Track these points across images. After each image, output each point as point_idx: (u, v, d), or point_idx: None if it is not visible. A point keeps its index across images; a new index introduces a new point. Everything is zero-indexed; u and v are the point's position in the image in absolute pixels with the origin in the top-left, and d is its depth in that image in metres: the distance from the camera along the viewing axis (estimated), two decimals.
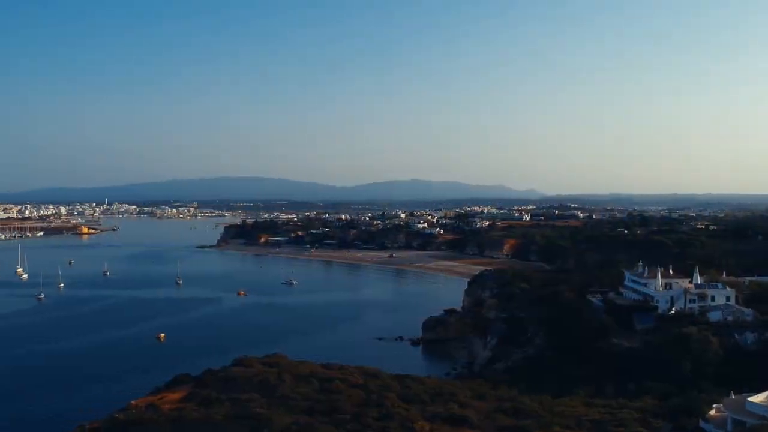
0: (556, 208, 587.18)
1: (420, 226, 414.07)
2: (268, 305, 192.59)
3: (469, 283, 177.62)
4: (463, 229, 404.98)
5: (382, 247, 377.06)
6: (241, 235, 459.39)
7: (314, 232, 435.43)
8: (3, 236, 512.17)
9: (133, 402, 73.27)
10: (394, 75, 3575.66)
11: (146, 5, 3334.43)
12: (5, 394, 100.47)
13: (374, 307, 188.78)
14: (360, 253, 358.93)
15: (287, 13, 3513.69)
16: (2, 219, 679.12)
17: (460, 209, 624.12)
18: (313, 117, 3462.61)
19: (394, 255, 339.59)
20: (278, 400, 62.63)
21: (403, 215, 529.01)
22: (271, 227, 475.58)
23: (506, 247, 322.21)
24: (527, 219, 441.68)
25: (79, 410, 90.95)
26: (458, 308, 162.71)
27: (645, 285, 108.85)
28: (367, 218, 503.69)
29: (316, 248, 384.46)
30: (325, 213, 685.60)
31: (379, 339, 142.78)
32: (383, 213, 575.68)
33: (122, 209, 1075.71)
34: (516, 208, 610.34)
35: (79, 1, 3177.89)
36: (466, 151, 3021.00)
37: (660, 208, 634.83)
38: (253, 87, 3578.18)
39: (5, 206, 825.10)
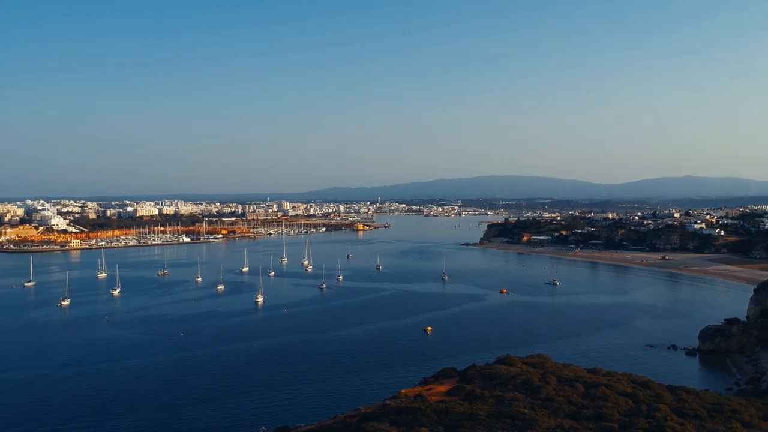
0: None
1: (697, 226, 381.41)
2: (530, 305, 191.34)
3: (756, 291, 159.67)
4: (749, 230, 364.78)
5: (653, 249, 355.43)
6: (503, 233, 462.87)
7: (579, 231, 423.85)
8: (292, 232, 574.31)
9: (402, 391, 77.99)
10: (667, 66, 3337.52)
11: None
12: (293, 376, 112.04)
13: (643, 311, 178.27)
14: (628, 255, 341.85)
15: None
16: (291, 216, 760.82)
17: (745, 208, 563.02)
18: (578, 115, 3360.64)
19: (666, 257, 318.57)
20: (541, 401, 62.29)
21: (676, 214, 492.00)
22: (534, 226, 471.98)
23: None
24: None
25: (355, 394, 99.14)
26: (742, 318, 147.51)
27: None
28: (637, 217, 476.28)
29: (581, 248, 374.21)
30: (591, 212, 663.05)
31: (650, 346, 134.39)
32: (654, 212, 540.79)
33: (393, 207, 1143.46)
34: None
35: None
36: (748, 142, 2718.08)
37: None
38: (520, 86, 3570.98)
39: (294, 204, 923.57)
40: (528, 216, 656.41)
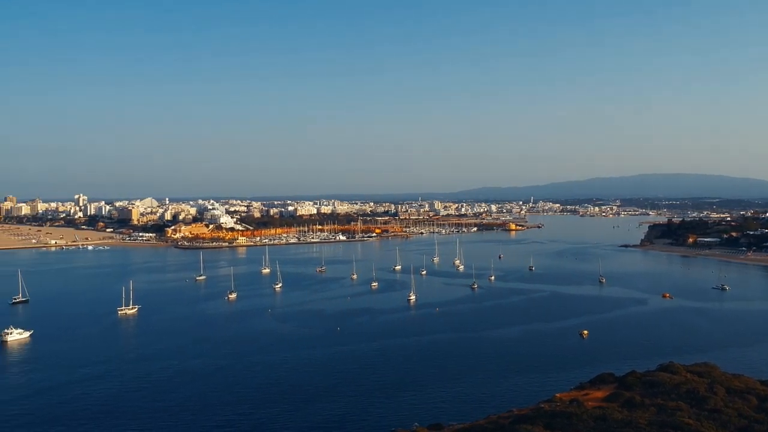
0: None
1: None
2: (696, 310, 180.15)
3: None
4: None
5: None
6: (666, 234, 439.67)
7: (751, 233, 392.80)
8: (443, 231, 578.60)
9: (557, 395, 76.89)
10: None
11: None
12: (446, 375, 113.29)
13: None
14: None
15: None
16: (443, 216, 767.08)
17: None
18: (751, 106, 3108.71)
19: None
20: (708, 413, 59.15)
21: None
22: (700, 227, 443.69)
23: None
24: None
25: (508, 396, 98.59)
26: None
27: None
28: None
29: (754, 251, 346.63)
30: (765, 212, 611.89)
31: None
32: None
33: (546, 207, 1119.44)
34: None
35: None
36: None
37: None
38: (684, 80, 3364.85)
39: (445, 204, 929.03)
40: (693, 216, 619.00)
